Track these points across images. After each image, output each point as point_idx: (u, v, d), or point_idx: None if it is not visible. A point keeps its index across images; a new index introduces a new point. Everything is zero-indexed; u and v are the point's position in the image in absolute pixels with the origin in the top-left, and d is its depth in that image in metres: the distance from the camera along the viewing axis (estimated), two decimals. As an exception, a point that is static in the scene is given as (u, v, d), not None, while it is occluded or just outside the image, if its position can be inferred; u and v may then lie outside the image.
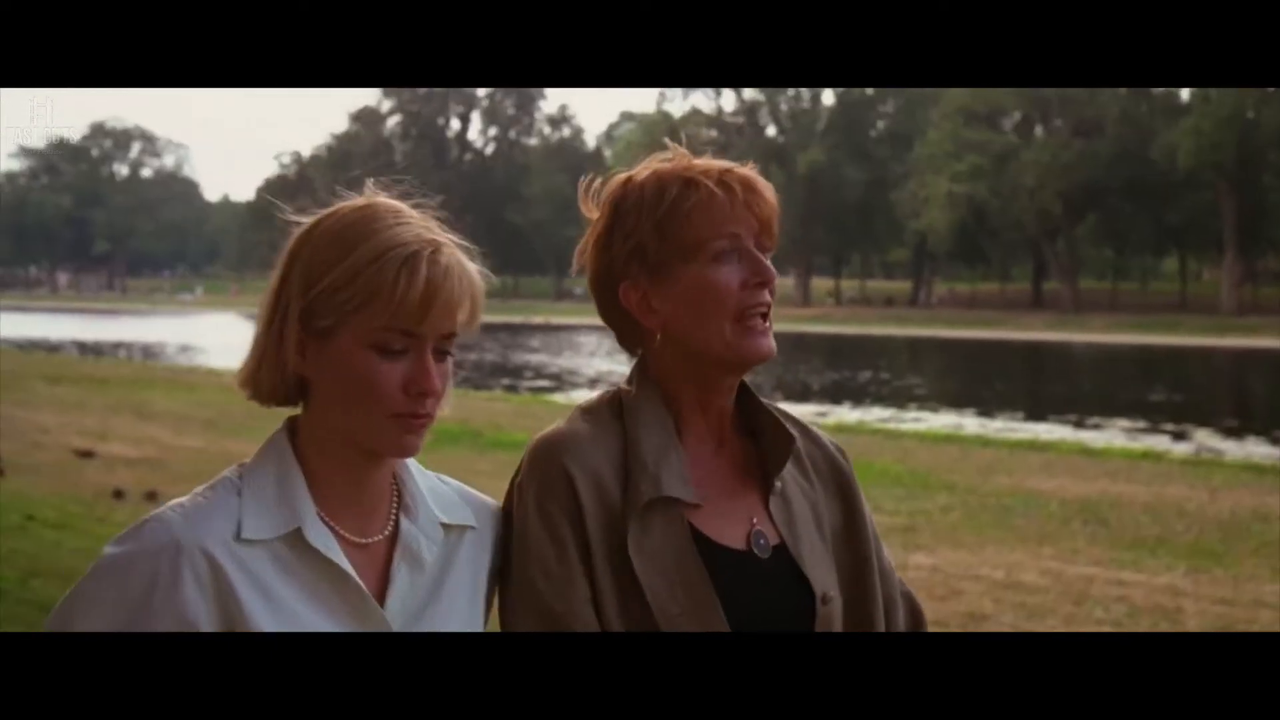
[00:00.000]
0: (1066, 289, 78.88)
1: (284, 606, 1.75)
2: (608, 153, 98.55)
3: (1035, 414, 25.19)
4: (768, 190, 2.01)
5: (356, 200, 1.82)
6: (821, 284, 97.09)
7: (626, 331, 2.08)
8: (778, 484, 2.08)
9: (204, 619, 1.70)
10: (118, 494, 11.45)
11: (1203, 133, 68.02)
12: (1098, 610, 8.40)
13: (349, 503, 1.83)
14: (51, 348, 45.65)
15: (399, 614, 1.82)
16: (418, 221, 1.80)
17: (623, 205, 2.01)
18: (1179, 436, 21.34)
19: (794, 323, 67.83)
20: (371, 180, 1.87)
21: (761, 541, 2.03)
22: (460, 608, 1.90)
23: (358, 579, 1.79)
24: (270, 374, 1.80)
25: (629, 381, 2.10)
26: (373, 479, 1.85)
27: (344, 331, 1.75)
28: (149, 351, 46.92)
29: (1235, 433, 21.98)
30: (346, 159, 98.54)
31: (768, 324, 2.00)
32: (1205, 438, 21.27)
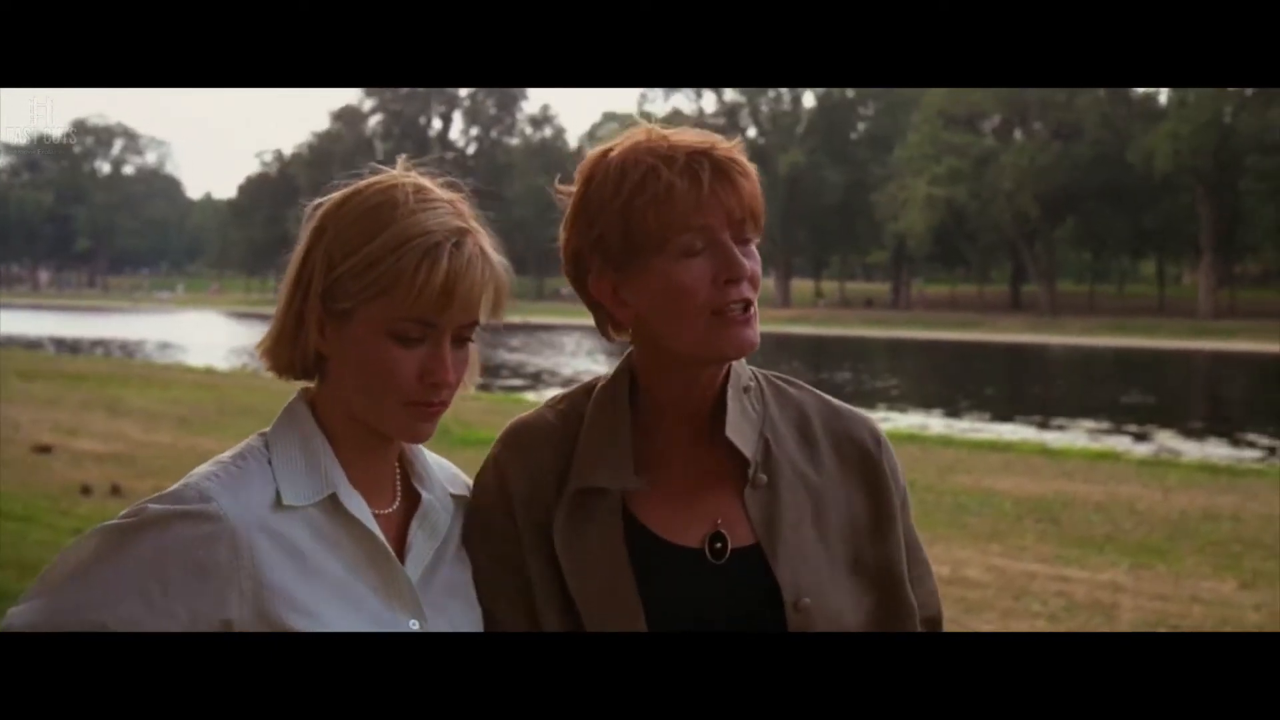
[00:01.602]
0: (1044, 291, 79.31)
1: (316, 569, 1.77)
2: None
3: (1002, 414, 25.48)
4: (745, 175, 1.87)
5: (383, 179, 1.81)
6: (801, 285, 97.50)
7: (604, 320, 1.98)
8: (761, 477, 1.95)
9: (233, 586, 1.71)
10: (85, 490, 11.59)
11: (1179, 137, 68.31)
12: (1035, 605, 8.59)
13: (364, 477, 1.85)
14: (30, 344, 45.76)
15: (417, 580, 1.86)
16: (444, 205, 1.79)
17: (590, 186, 1.90)
18: (1141, 438, 21.61)
19: (773, 324, 68.10)
20: (403, 156, 1.87)
21: (719, 545, 1.93)
22: (458, 573, 1.93)
23: (385, 542, 1.82)
24: (288, 349, 1.82)
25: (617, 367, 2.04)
26: (385, 456, 1.89)
27: (363, 316, 1.76)
28: (127, 349, 46.99)
29: (1197, 434, 22.29)
30: (327, 158, 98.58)
31: (748, 315, 1.87)
32: (1167, 439, 21.56)
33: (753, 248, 1.89)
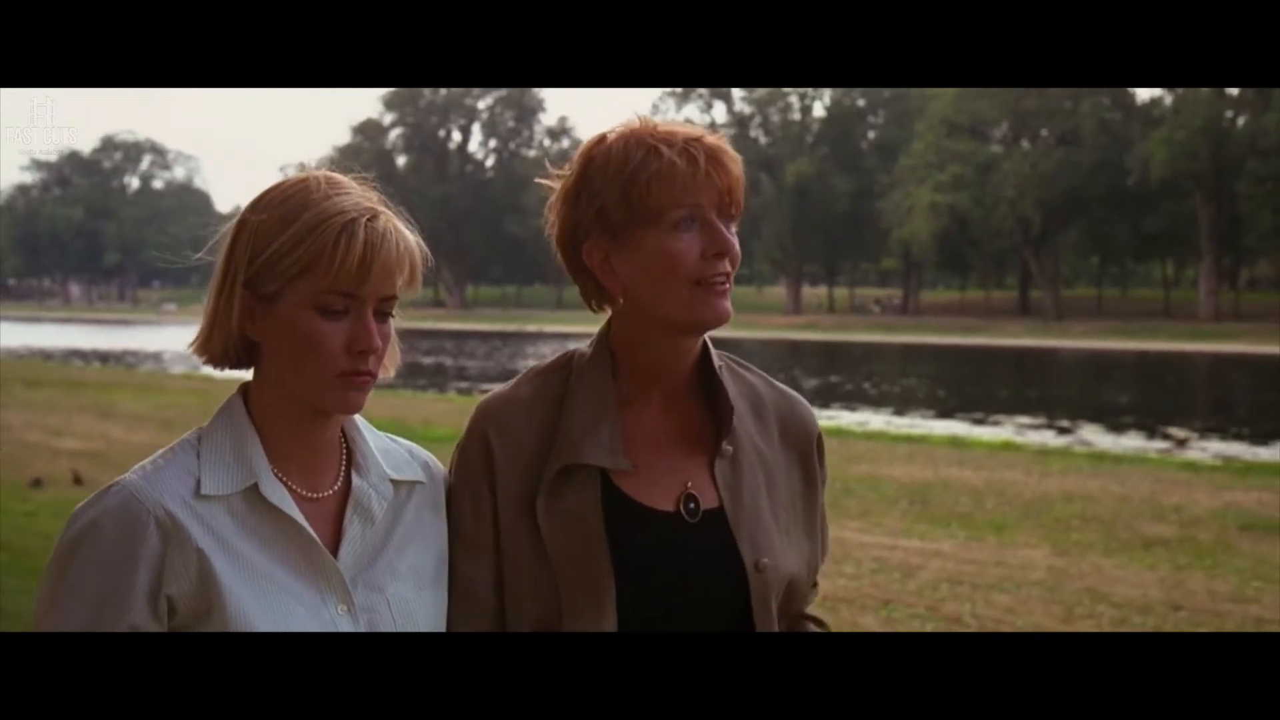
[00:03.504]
0: (1049, 296, 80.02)
1: (242, 558, 1.83)
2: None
3: (944, 412, 26.59)
4: (733, 161, 2.02)
5: (297, 175, 1.91)
6: (812, 293, 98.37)
7: (590, 289, 2.09)
8: (727, 447, 2.09)
9: (171, 570, 1.80)
10: (36, 482, 12.83)
11: (1175, 142, 69.00)
12: (848, 567, 9.63)
13: (299, 460, 1.92)
14: (47, 355, 47.20)
15: (351, 564, 1.92)
16: (357, 191, 1.89)
17: (591, 165, 2.03)
18: (1064, 431, 22.65)
19: (785, 330, 68.92)
20: (307, 161, 1.96)
21: (692, 505, 2.06)
22: (408, 556, 2.00)
23: (311, 531, 1.88)
24: (221, 338, 1.89)
25: (592, 342, 2.13)
26: (321, 437, 1.94)
27: (289, 295, 1.84)
28: (137, 359, 48.10)
29: (1121, 428, 23.29)
30: (348, 171, 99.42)
31: (726, 288, 2.02)
32: (1090, 433, 22.55)
33: (734, 228, 2.04)
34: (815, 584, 2.26)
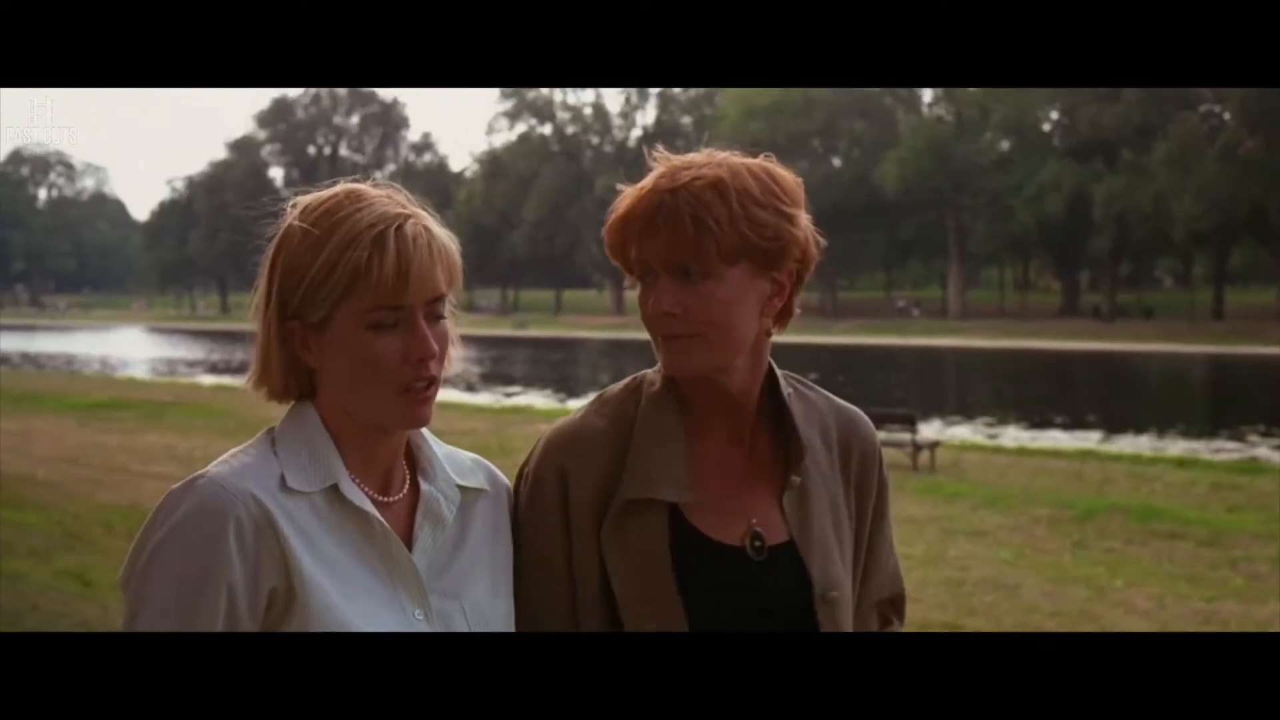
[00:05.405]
0: (828, 299, 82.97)
1: (325, 554, 1.82)
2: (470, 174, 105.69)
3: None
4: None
5: (319, 194, 1.88)
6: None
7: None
8: (795, 479, 2.06)
9: (263, 562, 1.78)
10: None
11: (906, 161, 74.87)
12: None
13: (367, 468, 1.90)
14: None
15: (425, 569, 1.90)
16: (380, 199, 1.84)
17: None
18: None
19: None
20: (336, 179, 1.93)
21: (758, 543, 2.03)
22: (482, 563, 1.99)
23: (389, 529, 1.87)
24: (279, 372, 1.88)
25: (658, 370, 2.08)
26: (388, 446, 1.92)
27: (337, 319, 1.81)
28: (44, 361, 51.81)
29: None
30: (222, 185, 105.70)
31: (677, 341, 1.98)
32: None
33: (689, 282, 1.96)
34: (897, 611, 2.26)
